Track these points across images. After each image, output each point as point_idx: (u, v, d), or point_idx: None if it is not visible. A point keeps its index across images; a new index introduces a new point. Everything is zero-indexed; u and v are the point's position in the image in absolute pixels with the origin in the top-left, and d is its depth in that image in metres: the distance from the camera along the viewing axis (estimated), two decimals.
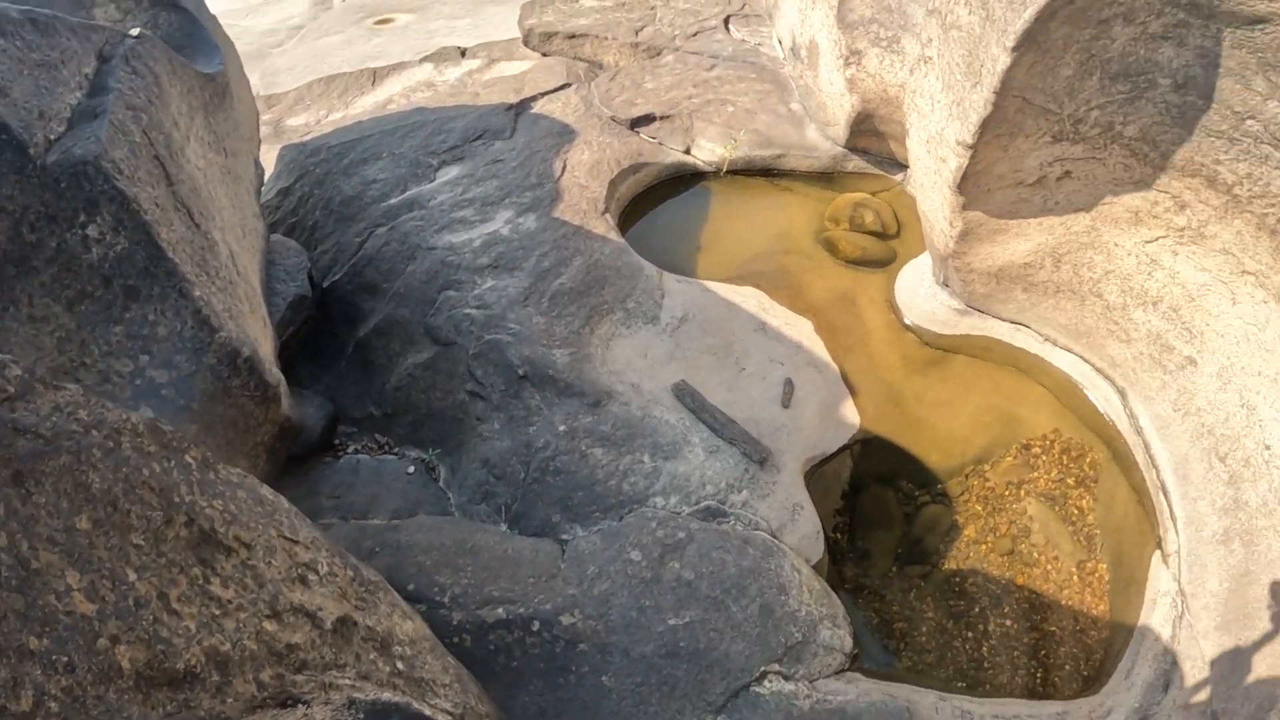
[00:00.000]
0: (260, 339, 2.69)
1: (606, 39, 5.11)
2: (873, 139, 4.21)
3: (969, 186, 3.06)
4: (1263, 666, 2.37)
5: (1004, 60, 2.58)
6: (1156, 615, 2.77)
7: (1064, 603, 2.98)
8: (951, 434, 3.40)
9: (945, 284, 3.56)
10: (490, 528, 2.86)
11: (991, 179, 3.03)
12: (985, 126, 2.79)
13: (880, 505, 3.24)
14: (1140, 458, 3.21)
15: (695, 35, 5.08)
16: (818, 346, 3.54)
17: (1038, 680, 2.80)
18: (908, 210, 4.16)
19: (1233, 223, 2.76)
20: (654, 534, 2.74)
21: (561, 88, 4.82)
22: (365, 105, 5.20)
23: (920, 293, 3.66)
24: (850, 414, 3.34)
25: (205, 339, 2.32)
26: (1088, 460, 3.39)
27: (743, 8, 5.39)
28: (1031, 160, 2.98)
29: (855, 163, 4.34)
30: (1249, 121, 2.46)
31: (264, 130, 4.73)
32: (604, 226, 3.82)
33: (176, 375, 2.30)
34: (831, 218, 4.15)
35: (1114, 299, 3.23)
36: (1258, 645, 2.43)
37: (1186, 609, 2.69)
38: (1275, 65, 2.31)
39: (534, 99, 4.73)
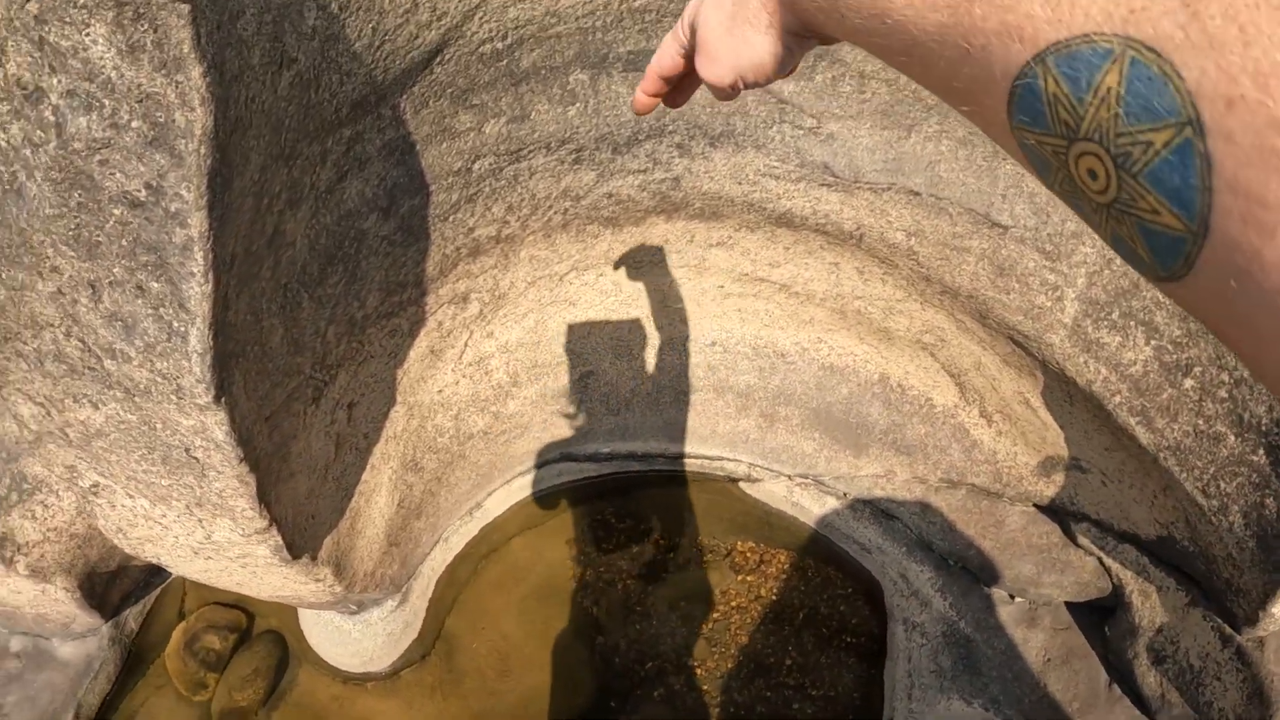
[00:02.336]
0: None
1: None
2: (123, 577, 3.04)
3: (301, 540, 2.19)
4: None
5: (216, 424, 1.67)
6: None
7: None
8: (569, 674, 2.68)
9: (360, 607, 2.70)
10: None
11: (307, 506, 2.21)
12: (262, 493, 1.90)
13: None
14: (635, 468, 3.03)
15: None
16: None
17: None
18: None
19: (519, 257, 2.46)
20: None
21: None
22: None
23: (353, 639, 2.75)
24: None
25: None
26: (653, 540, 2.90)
27: None
28: (318, 442, 2.20)
29: (132, 613, 3.07)
30: (477, 163, 2.13)
31: None
32: None
33: None
34: (191, 684, 2.91)
35: (484, 423, 2.65)
36: None
37: None
38: (464, 93, 1.98)
39: None
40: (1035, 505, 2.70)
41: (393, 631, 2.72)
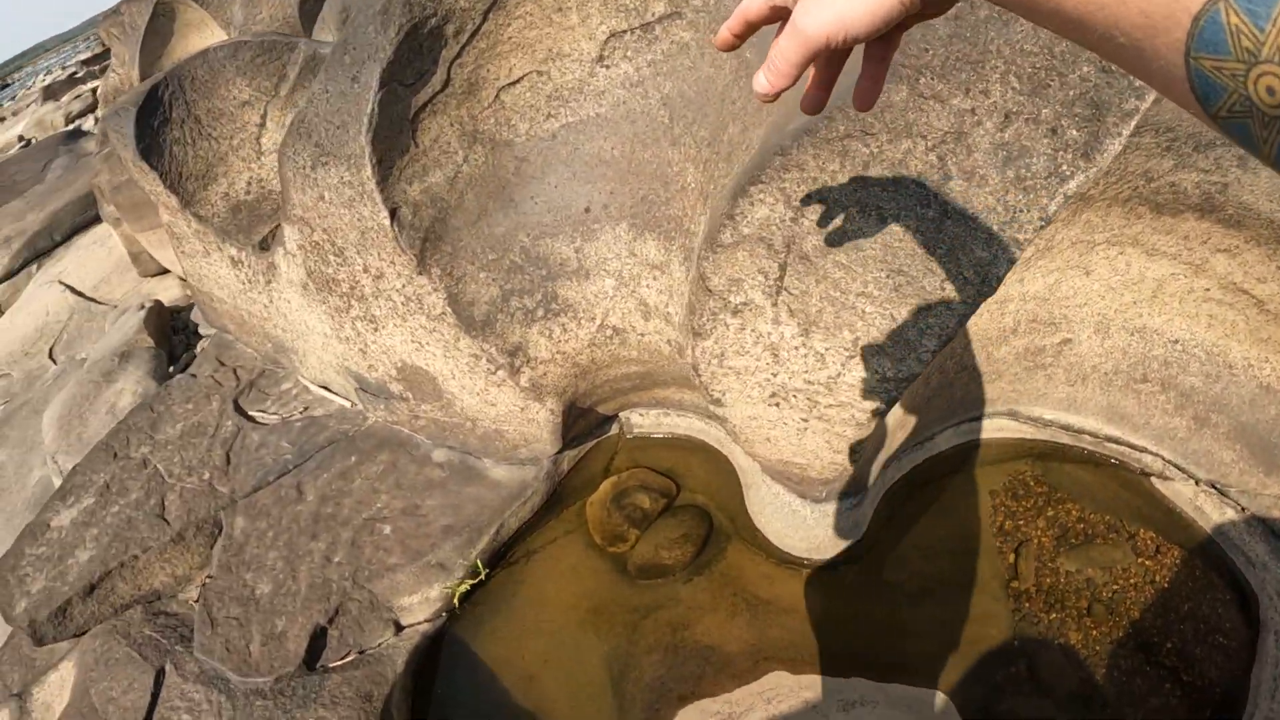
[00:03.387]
0: None
1: (140, 559, 3.29)
2: (583, 419, 3.21)
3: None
4: None
5: (1007, 259, 1.92)
6: None
7: None
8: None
9: (827, 496, 2.89)
10: None
11: None
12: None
13: None
14: (1063, 440, 3.27)
15: (230, 468, 3.43)
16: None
17: None
18: (644, 450, 3.38)
19: (1079, 219, 2.73)
20: None
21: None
22: None
23: (808, 524, 2.94)
24: None
25: None
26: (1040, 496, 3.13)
27: (240, 384, 3.76)
28: None
29: (568, 456, 3.32)
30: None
31: None
32: None
33: None
34: (609, 534, 3.09)
35: (977, 360, 2.89)
36: None
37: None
38: None
39: None
40: None
41: (843, 527, 2.92)
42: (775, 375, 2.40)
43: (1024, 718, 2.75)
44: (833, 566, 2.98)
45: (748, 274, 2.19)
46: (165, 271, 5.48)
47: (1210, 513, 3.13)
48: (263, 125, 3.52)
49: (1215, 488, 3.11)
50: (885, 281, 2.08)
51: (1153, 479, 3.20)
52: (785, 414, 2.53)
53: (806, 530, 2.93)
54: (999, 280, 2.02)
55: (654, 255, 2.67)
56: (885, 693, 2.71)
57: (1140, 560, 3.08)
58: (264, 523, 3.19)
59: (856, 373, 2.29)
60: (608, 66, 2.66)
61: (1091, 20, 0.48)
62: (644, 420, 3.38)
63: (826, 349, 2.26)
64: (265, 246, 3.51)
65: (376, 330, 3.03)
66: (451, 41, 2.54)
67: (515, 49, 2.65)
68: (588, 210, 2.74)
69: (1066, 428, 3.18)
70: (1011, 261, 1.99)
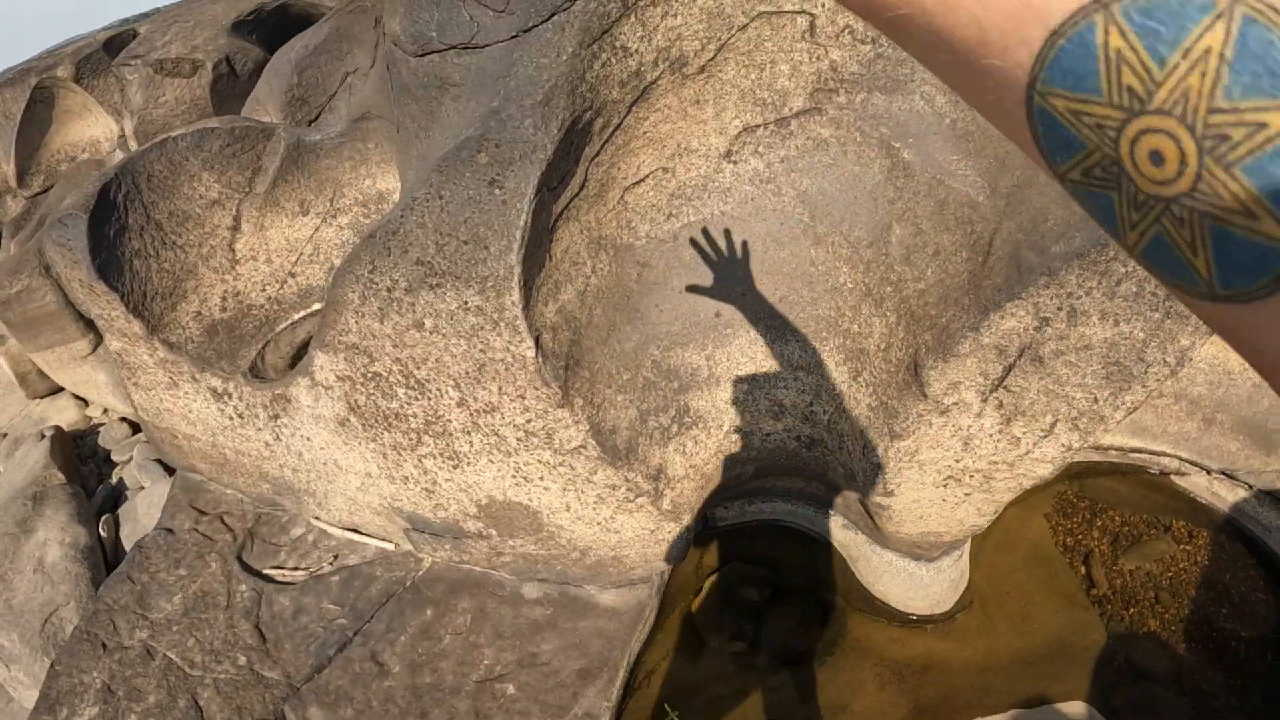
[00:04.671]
0: None
1: None
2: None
3: None
4: None
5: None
6: None
7: None
8: None
9: (941, 554, 2.94)
10: None
11: None
12: None
13: None
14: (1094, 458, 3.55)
15: (269, 645, 2.81)
16: None
17: None
18: (731, 541, 3.30)
19: None
20: None
21: None
22: None
23: (925, 583, 3.00)
24: None
25: None
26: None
27: (237, 536, 3.07)
28: None
29: None
30: None
31: None
32: None
33: None
34: (726, 634, 2.96)
35: None
36: None
37: None
38: None
39: None
40: None
41: (954, 579, 3.01)
42: (959, 461, 2.41)
43: (1139, 705, 3.01)
44: (951, 617, 3.07)
45: (969, 377, 2.18)
46: (58, 390, 4.48)
47: (1225, 495, 3.53)
48: (236, 228, 2.88)
49: (1226, 474, 3.51)
50: (1100, 372, 2.16)
51: (1171, 476, 3.56)
52: (949, 493, 2.54)
53: (926, 589, 2.98)
54: (1189, 362, 2.15)
55: (797, 356, 2.53)
56: (1041, 717, 2.85)
57: (1181, 547, 3.44)
58: (348, 710, 2.72)
59: (1044, 448, 2.36)
60: (735, 162, 2.45)
61: (910, 25, 0.32)
62: (729, 512, 3.27)
63: (1024, 433, 2.31)
64: (257, 374, 2.95)
65: (457, 468, 2.66)
66: (595, 138, 2.23)
67: (647, 145, 2.38)
68: (718, 315, 2.54)
69: (1097, 447, 3.44)
70: (1200, 346, 2.12)
